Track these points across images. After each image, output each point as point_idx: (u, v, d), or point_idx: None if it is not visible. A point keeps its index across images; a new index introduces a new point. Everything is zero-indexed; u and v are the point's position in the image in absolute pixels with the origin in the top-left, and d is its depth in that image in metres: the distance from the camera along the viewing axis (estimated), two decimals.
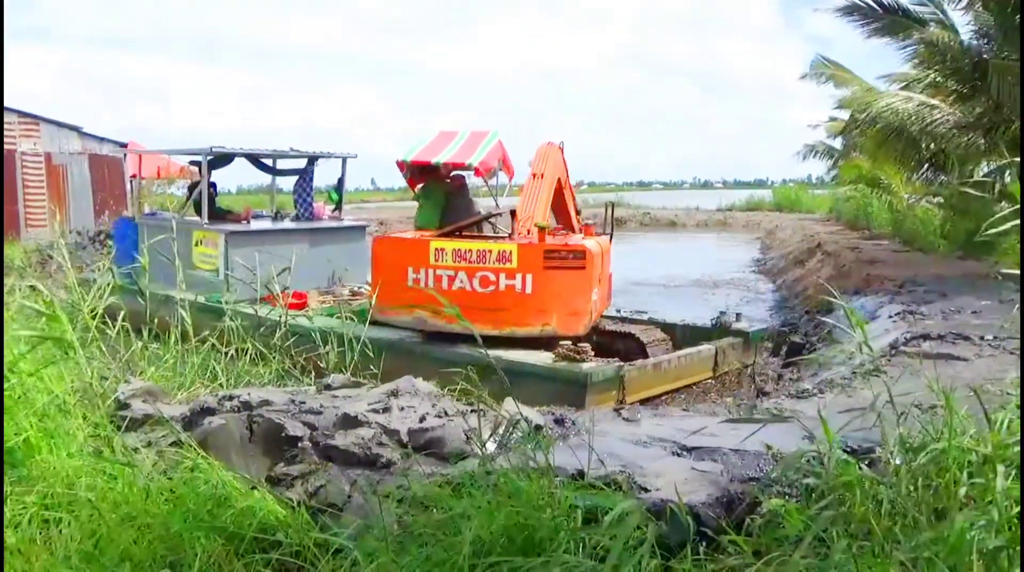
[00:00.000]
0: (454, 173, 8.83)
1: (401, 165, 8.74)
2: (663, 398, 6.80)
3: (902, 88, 13.71)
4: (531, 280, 7.05)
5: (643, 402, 6.65)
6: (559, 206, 8.48)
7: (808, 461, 2.59)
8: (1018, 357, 4.98)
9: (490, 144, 8.75)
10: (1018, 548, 1.80)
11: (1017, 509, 1.95)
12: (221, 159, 10.96)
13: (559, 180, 8.15)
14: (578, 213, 9.06)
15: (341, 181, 12.25)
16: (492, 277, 7.11)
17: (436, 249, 7.36)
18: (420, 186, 9.03)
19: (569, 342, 6.94)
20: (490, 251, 7.18)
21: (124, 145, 19.58)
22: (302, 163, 11.69)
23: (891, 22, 11.80)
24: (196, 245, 10.35)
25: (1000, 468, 2.01)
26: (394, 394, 3.98)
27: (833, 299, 9.91)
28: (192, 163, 11.94)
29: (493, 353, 6.62)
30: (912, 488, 2.23)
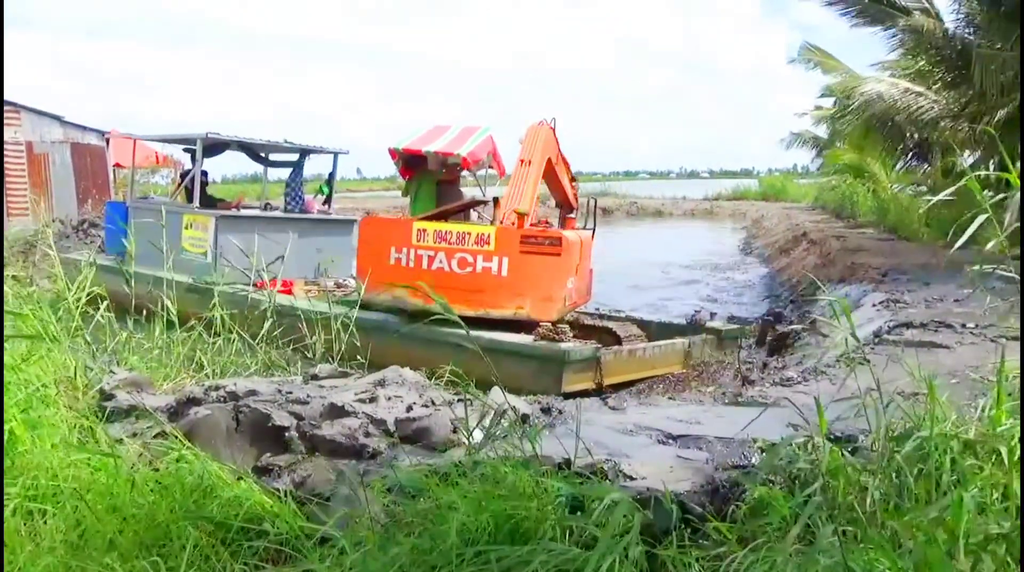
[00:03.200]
0: (448, 163, 8.90)
1: (393, 153, 8.84)
2: (640, 386, 6.91)
3: (892, 75, 13.78)
4: (507, 263, 7.16)
5: (618, 387, 6.79)
6: (553, 183, 8.56)
7: (794, 449, 2.61)
8: (998, 346, 5.03)
9: (480, 138, 8.86)
10: (1016, 535, 1.81)
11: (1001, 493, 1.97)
12: (214, 147, 10.95)
13: (549, 160, 8.21)
14: (573, 180, 9.04)
15: (332, 176, 12.32)
16: (470, 259, 7.23)
17: (418, 230, 7.48)
18: (412, 176, 9.10)
19: (549, 324, 7.03)
20: (469, 233, 7.29)
21: (106, 134, 19.40)
22: (293, 155, 11.70)
23: (876, 11, 11.85)
24: (186, 228, 10.38)
25: (1003, 450, 2.03)
26: (381, 384, 3.98)
27: (819, 289, 10.02)
28: (186, 150, 11.92)
29: (474, 333, 6.77)
30: (896, 475, 2.25)
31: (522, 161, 7.88)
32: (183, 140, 11.50)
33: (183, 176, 11.69)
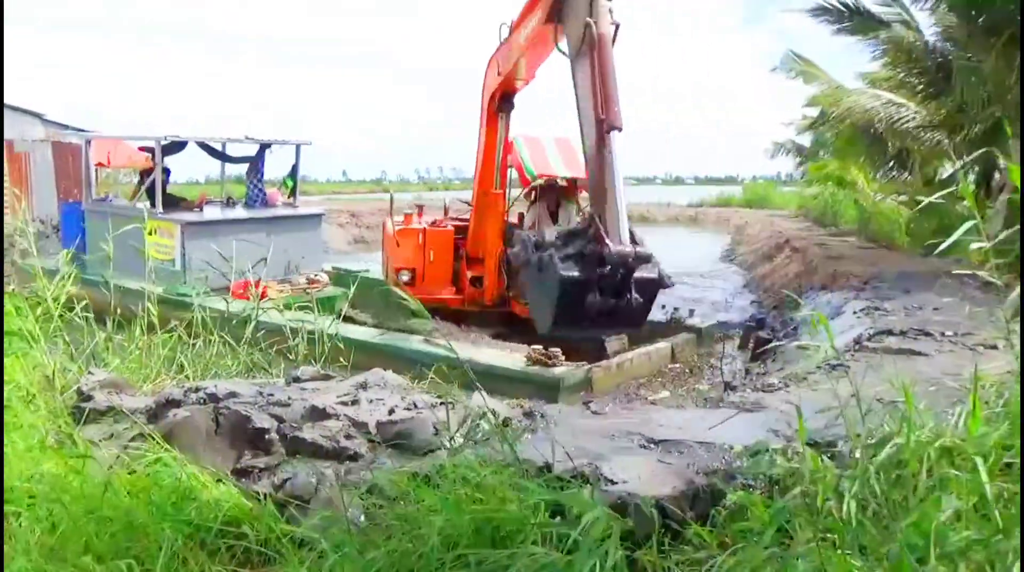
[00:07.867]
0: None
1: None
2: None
3: (870, 85, 13.94)
4: None
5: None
6: None
7: (773, 454, 2.62)
8: (975, 354, 5.08)
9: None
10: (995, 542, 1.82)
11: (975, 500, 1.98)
12: (174, 146, 10.92)
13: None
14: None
15: (295, 167, 12.23)
16: None
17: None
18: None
19: (540, 347, 7.19)
20: None
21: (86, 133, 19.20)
22: (252, 149, 11.70)
23: (857, 23, 12.00)
24: (150, 234, 10.26)
25: (979, 460, 2.04)
26: (363, 386, 3.96)
27: (802, 296, 10.07)
28: (142, 149, 11.92)
29: (468, 357, 6.96)
30: (874, 480, 2.26)
31: None
32: (142, 140, 11.50)
33: (142, 176, 11.62)
